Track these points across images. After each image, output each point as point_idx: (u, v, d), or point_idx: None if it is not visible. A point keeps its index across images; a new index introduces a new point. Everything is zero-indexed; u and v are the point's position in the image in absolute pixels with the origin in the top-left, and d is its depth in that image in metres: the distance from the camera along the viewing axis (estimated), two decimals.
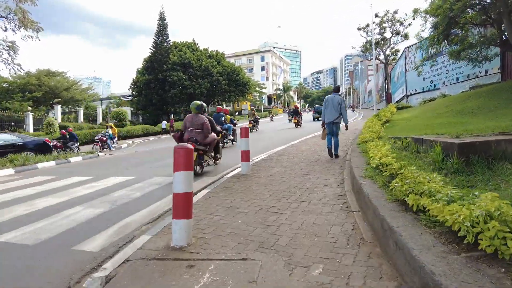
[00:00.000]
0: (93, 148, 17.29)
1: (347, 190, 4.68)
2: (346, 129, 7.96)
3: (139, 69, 42.15)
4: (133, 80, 42.62)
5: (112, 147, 18.49)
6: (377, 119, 11.75)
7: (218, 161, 7.76)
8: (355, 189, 4.38)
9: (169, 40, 42.33)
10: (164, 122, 32.74)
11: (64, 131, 17.73)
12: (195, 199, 4.40)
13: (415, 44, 27.61)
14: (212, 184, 5.50)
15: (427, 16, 15.77)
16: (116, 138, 20.28)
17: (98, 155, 12.36)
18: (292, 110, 25.34)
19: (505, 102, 12.33)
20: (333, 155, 7.64)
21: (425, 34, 17.45)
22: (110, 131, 19.18)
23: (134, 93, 43.02)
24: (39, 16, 24.57)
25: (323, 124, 7.77)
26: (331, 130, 7.60)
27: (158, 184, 6.12)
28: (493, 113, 11.03)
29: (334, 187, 4.82)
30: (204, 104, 7.08)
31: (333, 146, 7.65)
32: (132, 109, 45.41)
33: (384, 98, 42.91)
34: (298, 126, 22.42)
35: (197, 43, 44.32)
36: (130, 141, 24.39)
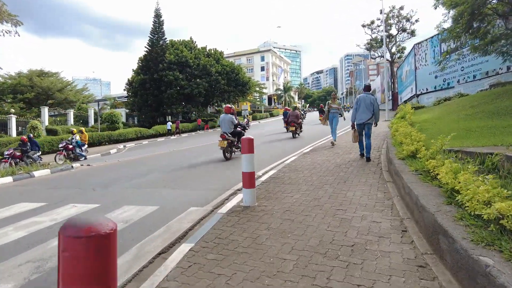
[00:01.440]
0: (55, 159, 13.86)
1: (424, 252, 2.79)
2: (375, 125, 7.54)
3: (135, 69, 40.30)
4: (128, 80, 40.79)
5: (82, 155, 15.29)
6: (404, 121, 9.98)
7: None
8: (456, 263, 2.32)
9: (165, 39, 40.49)
10: (169, 123, 31.31)
11: (24, 137, 14.12)
12: (160, 273, 2.60)
13: (435, 36, 25.82)
14: (199, 228, 3.68)
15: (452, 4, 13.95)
16: (86, 146, 16.83)
17: (72, 166, 10.49)
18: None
19: None
20: (366, 158, 7.24)
21: (447, 25, 15.68)
22: (77, 137, 15.73)
23: (129, 94, 41.18)
24: (34, 16, 22.80)
25: (353, 126, 7.50)
26: (362, 131, 7.34)
27: (124, 221, 4.30)
28: None
29: (397, 242, 2.94)
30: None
31: (365, 149, 7.32)
32: (127, 111, 43.60)
33: (391, 98, 41.05)
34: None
35: (195, 42, 42.49)
36: (121, 146, 22.55)
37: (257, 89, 60.51)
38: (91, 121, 31.43)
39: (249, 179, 4.24)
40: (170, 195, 5.67)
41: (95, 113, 35.02)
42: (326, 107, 10.77)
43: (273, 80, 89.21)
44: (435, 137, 7.58)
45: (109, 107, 47.04)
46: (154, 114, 38.86)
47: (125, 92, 43.97)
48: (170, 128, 30.81)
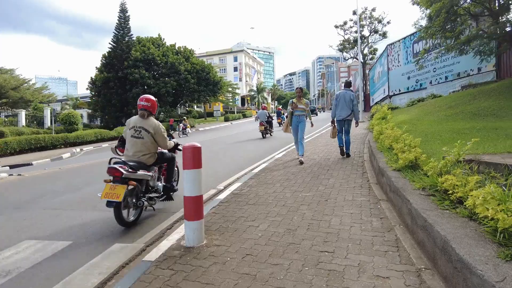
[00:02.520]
0: None
1: None
2: (356, 125, 7.71)
3: (98, 67, 37.64)
4: (91, 79, 38.08)
5: None
6: (386, 122, 9.03)
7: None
8: None
9: (131, 35, 38.23)
10: None
11: None
12: None
13: (407, 37, 25.56)
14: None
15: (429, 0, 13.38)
16: None
17: None
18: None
19: None
20: (345, 154, 7.41)
21: (424, 22, 15.17)
22: None
23: (92, 93, 38.47)
24: None
25: (333, 122, 7.52)
26: (342, 128, 7.35)
27: (6, 272, 2.85)
28: None
29: None
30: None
31: (344, 145, 7.39)
32: (90, 111, 40.78)
33: (363, 99, 40.99)
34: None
35: (163, 39, 40.41)
36: (77, 149, 20.43)
37: (230, 89, 59.07)
38: (47, 122, 28.79)
39: (194, 207, 2.92)
40: (95, 221, 4.23)
41: (55, 114, 32.34)
42: (289, 107, 7.37)
43: (246, 81, 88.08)
44: (428, 141, 6.65)
45: (70, 107, 43.93)
46: (119, 114, 36.46)
47: (87, 91, 41.16)
48: None
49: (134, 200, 3.96)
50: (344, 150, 7.35)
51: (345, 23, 39.75)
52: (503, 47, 14.22)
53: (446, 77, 21.49)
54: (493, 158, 3.56)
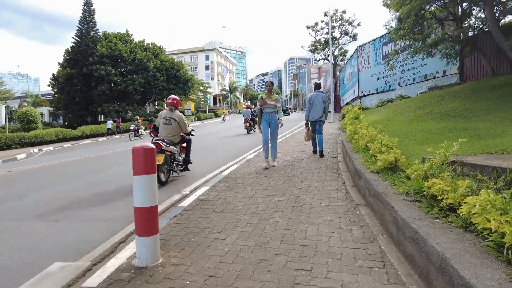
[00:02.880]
0: None
1: None
2: (325, 120, 7.65)
3: (61, 62, 35.49)
4: (53, 75, 35.88)
5: None
6: (359, 122, 8.89)
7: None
8: None
9: (97, 30, 36.44)
10: (110, 122, 28.36)
11: None
12: None
13: (377, 39, 26.02)
14: None
15: (399, 3, 13.54)
16: None
17: None
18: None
19: (494, 104, 10.39)
20: (319, 152, 7.40)
21: (394, 24, 15.39)
22: None
23: (54, 90, 36.26)
24: None
25: (306, 124, 7.53)
26: (315, 129, 7.39)
27: None
28: (492, 116, 8.91)
29: None
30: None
31: (318, 144, 7.45)
32: (52, 109, 38.49)
33: (333, 100, 41.56)
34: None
35: (131, 35, 38.83)
36: (36, 149, 18.98)
37: (201, 88, 57.99)
38: (1, 120, 26.75)
39: (146, 220, 2.44)
40: (35, 234, 3.62)
41: (11, 111, 30.16)
42: (257, 103, 6.54)
43: (219, 80, 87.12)
44: (402, 141, 6.51)
45: (29, 104, 41.22)
46: (83, 113, 34.70)
47: (49, 87, 38.78)
48: (110, 127, 28.22)
49: (166, 166, 5.82)
50: (318, 148, 7.46)
51: (316, 24, 40.15)
52: (466, 51, 14.69)
53: (413, 79, 22.07)
54: (476, 159, 3.36)
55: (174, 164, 6.12)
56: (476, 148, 4.31)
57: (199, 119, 48.09)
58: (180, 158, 6.42)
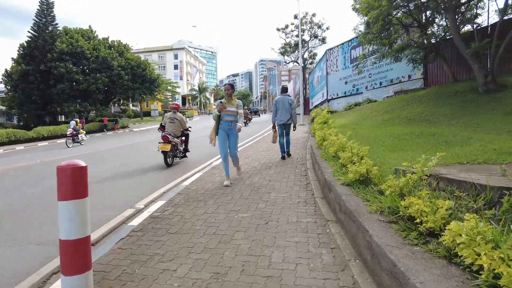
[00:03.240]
0: None
1: None
2: (294, 129, 7.79)
3: (15, 58, 33.02)
4: (6, 71, 33.32)
5: None
6: (328, 127, 8.70)
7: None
8: None
9: (57, 24, 34.31)
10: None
11: None
12: None
13: (346, 42, 26.39)
14: None
15: (368, 7, 13.67)
16: None
17: None
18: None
19: (457, 109, 10.65)
20: (286, 153, 7.70)
21: (363, 28, 15.56)
22: None
23: (7, 87, 33.68)
24: None
25: (274, 127, 7.61)
26: (283, 132, 7.53)
27: None
28: (456, 122, 9.09)
29: None
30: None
31: (285, 144, 7.63)
32: (4, 108, 35.77)
33: (302, 102, 41.98)
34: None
35: (95, 31, 36.96)
36: None
37: (169, 87, 56.52)
38: None
39: (74, 255, 1.98)
40: None
41: None
42: (215, 109, 5.44)
43: (188, 80, 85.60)
44: (371, 147, 6.36)
45: None
46: (41, 112, 32.49)
47: (4, 86, 36.02)
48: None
49: (171, 153, 7.93)
50: (285, 149, 7.69)
51: (286, 26, 40.34)
52: (430, 57, 15.11)
53: (380, 83, 22.56)
54: (450, 172, 3.16)
55: (177, 151, 8.40)
56: (448, 157, 4.18)
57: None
58: (181, 148, 8.60)
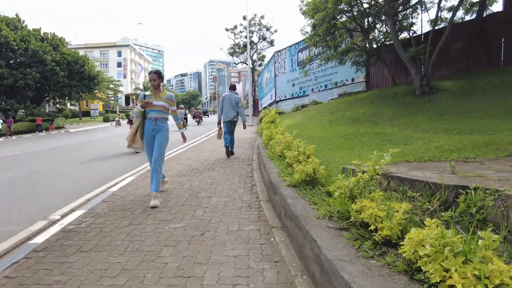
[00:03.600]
0: None
1: None
2: (244, 127, 8.15)
3: None
4: None
5: None
6: (275, 126, 8.44)
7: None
8: None
9: None
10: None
11: None
12: None
13: (293, 45, 26.70)
14: None
15: (314, 9, 13.82)
16: None
17: None
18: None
19: (397, 110, 11.11)
20: (230, 153, 7.58)
21: (309, 30, 15.75)
22: None
23: None
24: None
25: (219, 123, 7.50)
26: (228, 129, 7.48)
27: None
28: (397, 121, 9.42)
29: None
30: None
31: (229, 144, 7.53)
32: None
33: (252, 104, 41.98)
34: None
35: (23, 21, 33.30)
36: None
37: (112, 86, 53.11)
38: None
39: None
40: None
41: None
42: (138, 105, 4.39)
43: (132, 78, 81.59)
44: (317, 146, 6.17)
45: None
46: None
47: None
48: (0, 127, 23.57)
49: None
50: (229, 149, 7.55)
51: (235, 27, 40.06)
52: (372, 61, 15.75)
53: (325, 86, 23.18)
54: (400, 170, 2.96)
55: None
56: (395, 156, 4.06)
57: (107, 120, 43.40)
58: None
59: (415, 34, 14.18)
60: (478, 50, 13.30)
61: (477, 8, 13.37)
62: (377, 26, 16.11)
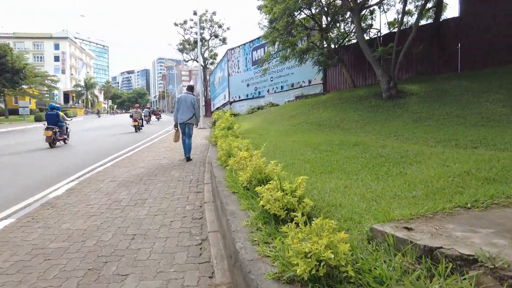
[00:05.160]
0: None
1: None
2: (196, 126, 8.55)
3: None
4: None
5: None
6: (232, 134, 6.77)
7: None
8: None
9: None
10: None
11: None
12: None
13: (247, 43, 25.10)
14: None
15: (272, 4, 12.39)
16: None
17: None
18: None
19: (366, 115, 10.07)
20: (186, 158, 7.42)
21: (266, 24, 14.28)
22: None
23: None
24: None
25: (175, 125, 7.40)
26: (184, 131, 7.33)
27: None
28: (371, 128, 8.30)
29: None
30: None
31: (186, 149, 7.40)
32: None
33: (203, 104, 39.77)
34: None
35: None
36: None
37: (47, 81, 47.22)
38: None
39: None
40: None
41: None
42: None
43: (72, 74, 74.57)
44: (294, 165, 4.58)
45: None
46: None
47: None
48: None
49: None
50: (185, 154, 7.42)
51: (185, 22, 37.60)
52: (333, 61, 14.66)
53: (282, 87, 21.97)
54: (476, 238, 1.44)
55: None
56: (428, 193, 2.59)
57: (39, 119, 36.97)
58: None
59: (380, 34, 13.34)
60: (436, 54, 12.91)
61: (434, 12, 12.91)
62: (337, 25, 15.18)
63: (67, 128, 12.21)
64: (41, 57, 71.82)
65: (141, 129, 19.51)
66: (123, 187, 4.92)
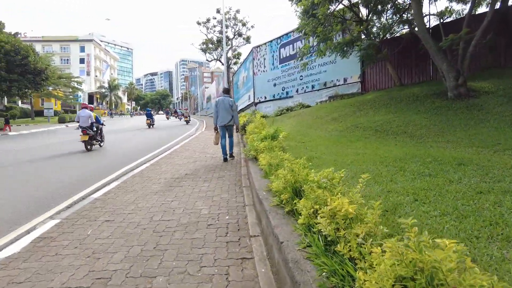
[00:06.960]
0: None
1: None
2: (237, 131, 8.18)
3: None
4: None
5: None
6: (278, 145, 5.09)
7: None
8: None
9: None
10: None
11: None
12: None
13: (274, 40, 23.38)
14: None
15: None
16: None
17: None
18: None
19: (436, 118, 8.39)
20: (229, 155, 7.64)
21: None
22: None
23: None
24: None
25: (215, 129, 7.54)
26: (225, 134, 7.46)
27: None
28: (454, 137, 6.78)
29: None
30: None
31: (227, 146, 7.55)
32: None
33: None
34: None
35: None
36: None
37: (73, 84, 47.29)
38: None
39: None
40: None
41: None
42: None
43: (96, 76, 75.41)
44: (391, 210, 2.77)
45: None
46: None
47: None
48: None
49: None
50: (228, 151, 7.58)
51: (208, 20, 36.39)
52: (382, 54, 12.67)
53: (312, 86, 20.08)
54: None
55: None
56: None
57: (63, 120, 36.04)
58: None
59: (443, 21, 11.25)
60: (503, 44, 10.76)
61: None
62: (377, 17, 13.25)
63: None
64: (67, 59, 73.09)
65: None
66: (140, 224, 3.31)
